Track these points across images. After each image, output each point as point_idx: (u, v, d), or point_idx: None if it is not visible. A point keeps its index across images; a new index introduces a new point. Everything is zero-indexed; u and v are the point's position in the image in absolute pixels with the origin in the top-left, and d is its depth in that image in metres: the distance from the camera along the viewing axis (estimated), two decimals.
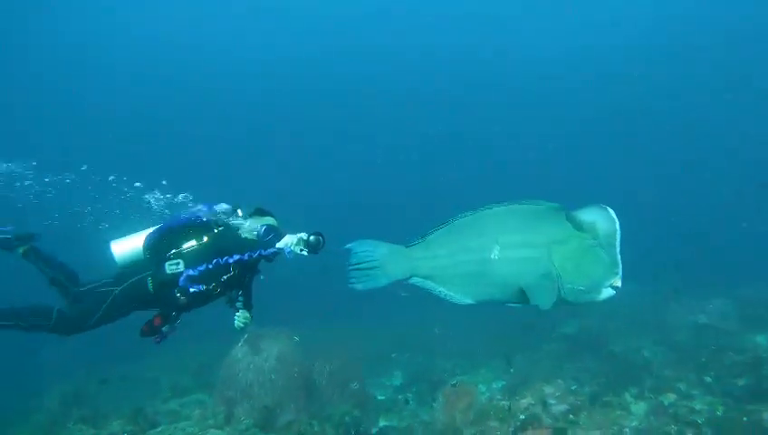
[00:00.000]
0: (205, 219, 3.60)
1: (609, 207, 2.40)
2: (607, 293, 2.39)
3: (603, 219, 2.38)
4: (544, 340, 9.72)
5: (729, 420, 5.80)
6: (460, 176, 31.04)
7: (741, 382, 6.75)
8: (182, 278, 3.39)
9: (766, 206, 20.03)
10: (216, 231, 3.55)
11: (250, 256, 3.32)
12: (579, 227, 2.40)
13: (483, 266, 2.52)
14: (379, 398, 8.73)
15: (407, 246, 2.70)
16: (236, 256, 3.34)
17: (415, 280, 2.70)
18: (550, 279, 2.41)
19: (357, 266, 2.69)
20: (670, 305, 10.21)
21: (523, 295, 2.49)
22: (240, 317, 3.64)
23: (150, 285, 3.45)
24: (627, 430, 5.87)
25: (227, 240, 3.52)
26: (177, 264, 3.43)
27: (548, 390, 6.21)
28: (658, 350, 9.00)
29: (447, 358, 10.21)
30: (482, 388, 8.71)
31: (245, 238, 3.59)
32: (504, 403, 6.04)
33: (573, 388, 7.82)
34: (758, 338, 8.53)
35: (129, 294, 3.44)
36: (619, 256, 2.35)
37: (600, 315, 10.81)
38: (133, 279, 3.45)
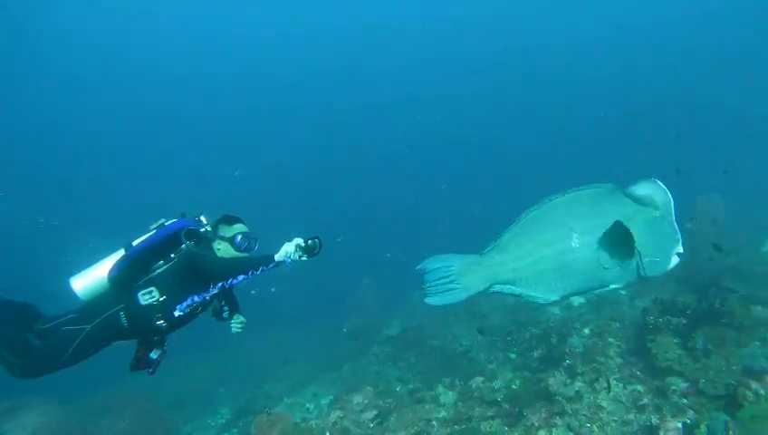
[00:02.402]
0: (169, 236, 3.25)
1: (658, 180, 2.50)
2: (674, 260, 2.47)
3: (657, 192, 2.47)
4: (370, 345, 9.70)
5: (523, 391, 6.14)
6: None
7: (536, 354, 7.23)
8: (184, 305, 3.16)
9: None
10: (184, 246, 3.23)
11: (253, 274, 3.03)
12: (639, 202, 2.48)
13: (565, 257, 2.49)
14: None
15: (481, 254, 2.60)
16: (241, 277, 3.06)
17: (496, 287, 2.60)
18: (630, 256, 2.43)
19: (434, 283, 2.59)
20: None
21: (604, 279, 2.49)
22: (236, 323, 3.52)
23: (124, 320, 3.16)
24: (434, 422, 5.92)
25: (201, 255, 3.22)
26: (151, 292, 3.15)
27: (356, 399, 6.07)
28: (475, 336, 9.44)
29: (277, 381, 9.73)
30: (309, 406, 8.39)
31: (219, 250, 3.37)
32: (313, 423, 5.75)
33: (398, 389, 7.86)
34: (554, 309, 9.33)
35: (101, 331, 3.15)
36: (676, 224, 2.46)
37: (426, 310, 11.16)
38: (105, 315, 3.15)
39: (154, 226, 3.36)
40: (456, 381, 7.11)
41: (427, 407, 6.25)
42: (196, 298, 3.19)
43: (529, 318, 9.03)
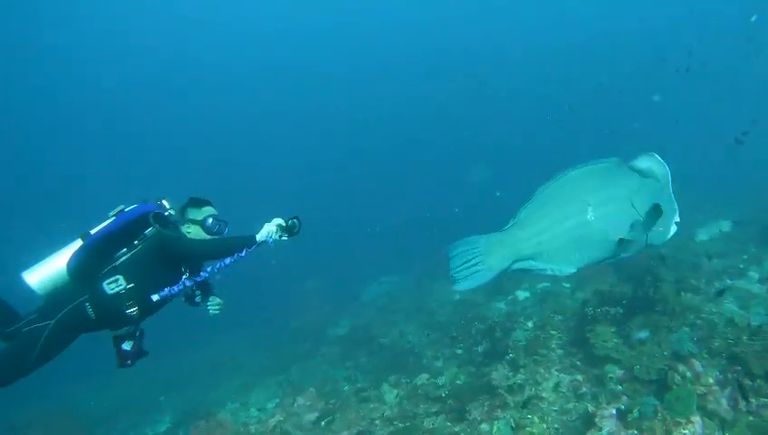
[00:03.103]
0: (130, 222, 3.10)
1: (656, 154, 2.62)
2: (673, 229, 2.58)
3: (657, 165, 2.59)
4: (319, 345, 9.53)
5: (466, 386, 6.13)
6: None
7: (481, 349, 7.25)
8: (176, 289, 3.09)
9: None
10: (151, 230, 3.11)
11: (239, 256, 2.99)
12: (642, 174, 2.58)
13: (583, 229, 2.55)
14: None
15: (502, 232, 2.62)
16: (228, 260, 3.00)
17: (518, 264, 2.62)
18: (639, 226, 2.52)
19: (460, 268, 2.60)
20: (432, 288, 10.84)
21: (616, 249, 2.55)
22: (213, 305, 3.43)
23: (91, 311, 3.00)
24: (377, 421, 5.83)
25: (176, 237, 3.11)
26: (117, 280, 3.01)
27: (299, 401, 5.91)
28: (423, 332, 9.41)
29: (221, 386, 9.41)
30: (254, 411, 8.14)
31: (189, 233, 3.25)
32: (252, 428, 5.56)
33: (345, 389, 7.72)
34: (500, 304, 9.40)
35: (66, 324, 2.97)
36: (673, 195, 2.59)
37: (375, 309, 11.09)
38: (69, 307, 2.97)
39: (113, 212, 3.21)
40: (402, 379, 7.03)
41: (371, 406, 6.15)
42: (187, 283, 3.13)
43: (475, 313, 9.08)
